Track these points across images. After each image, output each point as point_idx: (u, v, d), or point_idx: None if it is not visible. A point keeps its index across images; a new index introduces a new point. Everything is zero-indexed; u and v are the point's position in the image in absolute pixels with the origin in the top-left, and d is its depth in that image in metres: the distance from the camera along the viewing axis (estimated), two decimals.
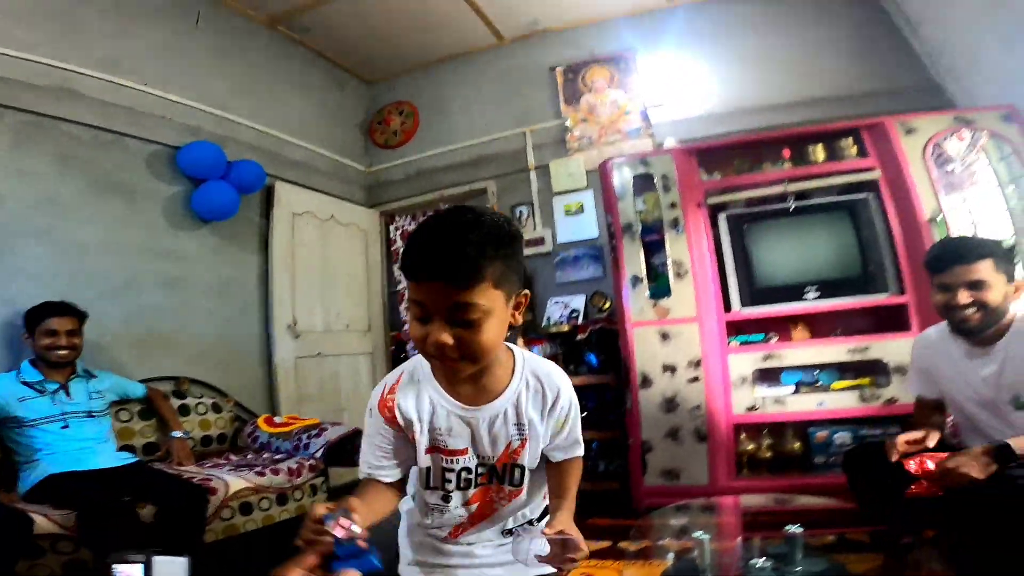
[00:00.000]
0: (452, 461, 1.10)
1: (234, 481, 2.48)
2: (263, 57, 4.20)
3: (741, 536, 2.01)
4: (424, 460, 1.10)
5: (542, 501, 1.25)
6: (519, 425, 1.10)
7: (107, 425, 2.54)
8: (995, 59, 3.09)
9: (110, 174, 3.12)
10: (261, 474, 2.62)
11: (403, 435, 1.09)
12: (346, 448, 3.07)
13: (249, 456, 3.00)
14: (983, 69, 3.21)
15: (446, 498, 1.13)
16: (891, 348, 2.84)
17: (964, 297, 1.70)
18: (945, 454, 1.59)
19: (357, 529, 0.81)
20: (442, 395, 1.08)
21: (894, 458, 1.65)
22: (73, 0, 3.06)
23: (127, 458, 2.47)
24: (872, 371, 2.94)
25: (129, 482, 2.23)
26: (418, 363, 1.12)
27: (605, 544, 2.40)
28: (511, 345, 1.12)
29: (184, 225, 3.44)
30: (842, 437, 2.91)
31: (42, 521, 1.89)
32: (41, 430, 2.29)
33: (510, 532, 1.18)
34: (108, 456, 2.40)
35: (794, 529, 1.50)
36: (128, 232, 3.17)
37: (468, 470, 1.11)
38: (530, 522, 1.22)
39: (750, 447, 3.06)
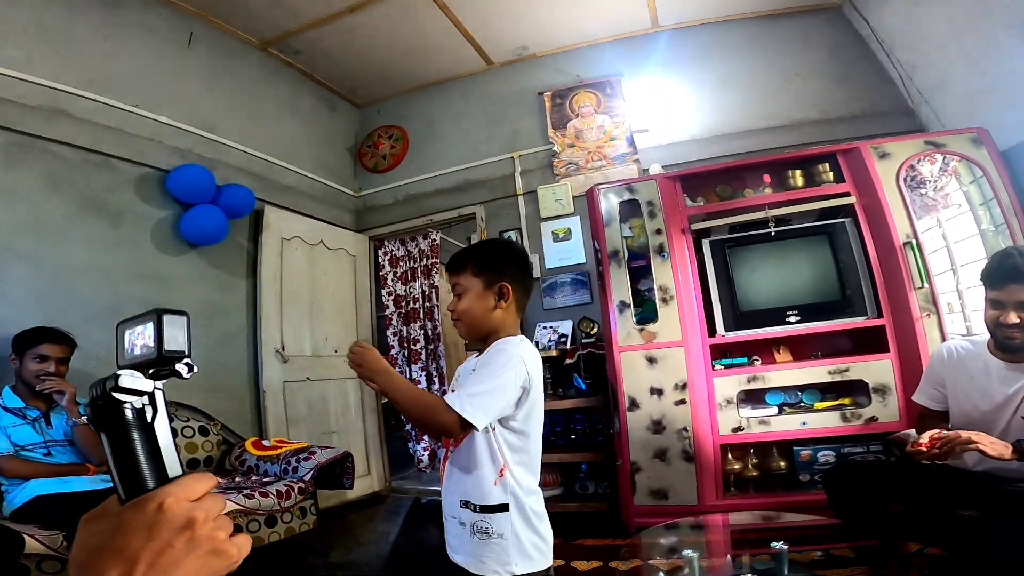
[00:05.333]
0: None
1: None
2: (254, 79, 4.25)
3: (729, 553, 2.03)
4: None
5: (490, 486, 1.31)
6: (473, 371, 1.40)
7: None
8: (964, 81, 3.23)
9: (98, 196, 3.13)
10: (250, 496, 2.61)
11: None
12: (335, 471, 3.05)
13: (237, 479, 2.97)
14: (953, 91, 3.35)
15: None
16: (871, 369, 2.91)
17: (1014, 318, 1.71)
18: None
19: None
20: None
21: (915, 447, 1.69)
22: (67, 18, 3.09)
23: None
24: (853, 391, 3.01)
25: None
26: None
27: (596, 564, 2.40)
28: (520, 337, 1.42)
29: (171, 249, 3.44)
30: (826, 455, 2.96)
31: (29, 541, 1.91)
32: (27, 453, 2.29)
33: (465, 505, 1.32)
34: (95, 478, 2.37)
35: (779, 545, 1.53)
36: (114, 255, 3.16)
37: None
38: (474, 508, 1.31)
39: (737, 466, 3.09)
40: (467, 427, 1.23)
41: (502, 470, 1.30)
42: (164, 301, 3.33)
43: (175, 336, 0.49)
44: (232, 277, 3.82)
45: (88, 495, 2.23)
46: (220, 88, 3.96)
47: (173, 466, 0.46)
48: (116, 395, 0.46)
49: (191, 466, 3.04)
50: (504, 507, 1.29)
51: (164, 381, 0.49)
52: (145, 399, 0.47)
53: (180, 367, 0.50)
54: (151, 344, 0.49)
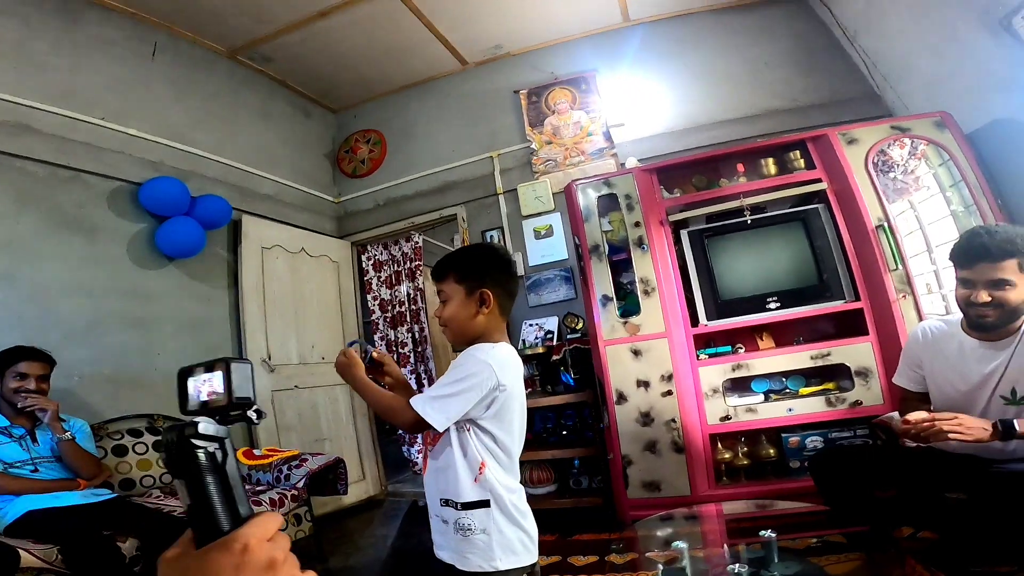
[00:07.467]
0: None
1: None
2: (224, 88, 4.20)
3: (724, 543, 2.06)
4: None
5: (469, 483, 1.33)
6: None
7: None
8: (926, 67, 3.31)
9: (69, 212, 3.07)
10: None
11: None
12: (328, 477, 3.05)
13: None
14: (916, 77, 3.43)
15: None
16: (851, 352, 2.96)
17: (984, 296, 1.71)
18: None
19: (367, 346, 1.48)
20: None
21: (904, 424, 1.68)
22: (24, 33, 3.02)
23: (105, 494, 2.43)
24: (836, 376, 3.06)
25: (109, 516, 2.22)
26: None
27: (592, 559, 2.42)
28: (502, 343, 1.45)
29: (149, 263, 3.39)
30: (814, 441, 3.01)
31: (25, 555, 1.92)
32: (14, 471, 2.27)
33: (446, 503, 1.35)
34: (87, 492, 2.36)
35: (768, 534, 1.56)
36: (92, 271, 3.11)
37: None
38: (455, 505, 1.34)
39: (727, 455, 3.13)
40: (425, 426, 1.30)
41: (481, 467, 1.33)
42: (146, 316, 3.30)
43: (242, 384, 0.54)
44: (213, 289, 3.78)
45: (80, 509, 2.24)
46: (189, 98, 3.90)
47: (244, 506, 0.49)
48: (194, 441, 0.48)
49: None
50: (485, 503, 1.32)
51: (231, 425, 0.53)
52: (217, 444, 0.50)
53: (251, 414, 0.54)
54: (220, 391, 0.53)
